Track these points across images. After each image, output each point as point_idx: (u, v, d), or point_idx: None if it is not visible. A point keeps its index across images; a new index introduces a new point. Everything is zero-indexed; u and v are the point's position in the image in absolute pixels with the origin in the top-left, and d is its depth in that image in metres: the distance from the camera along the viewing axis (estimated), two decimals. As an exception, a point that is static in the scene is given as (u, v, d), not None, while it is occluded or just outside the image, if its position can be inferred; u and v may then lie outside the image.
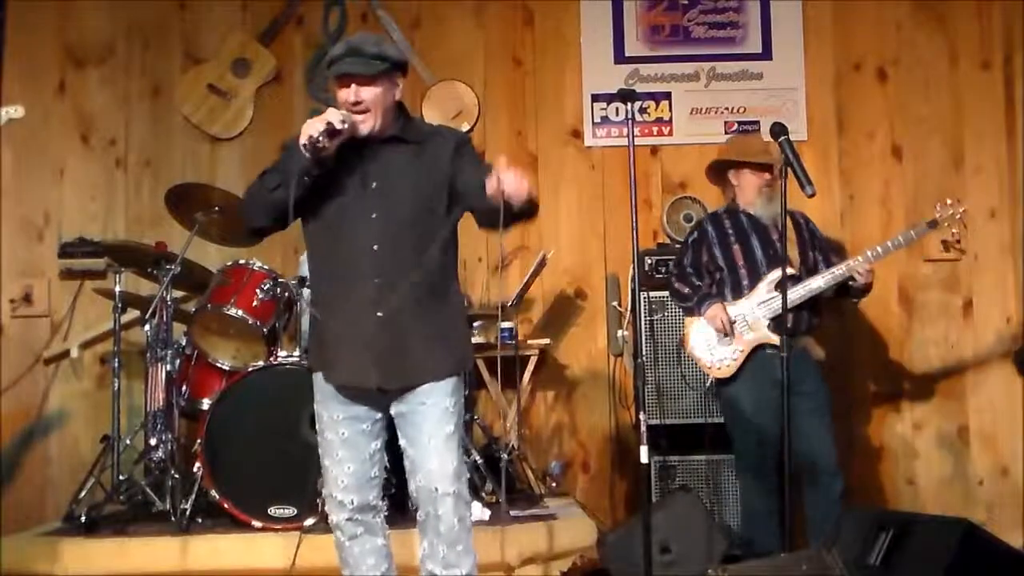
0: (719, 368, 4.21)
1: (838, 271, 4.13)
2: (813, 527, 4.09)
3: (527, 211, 2.87)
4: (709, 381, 4.31)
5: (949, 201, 4.22)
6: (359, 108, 2.96)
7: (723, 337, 4.19)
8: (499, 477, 4.54)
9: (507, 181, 2.74)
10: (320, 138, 2.85)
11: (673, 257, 4.62)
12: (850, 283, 4.15)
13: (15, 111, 3.56)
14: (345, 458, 3.04)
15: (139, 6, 5.40)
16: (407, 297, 2.97)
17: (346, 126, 2.91)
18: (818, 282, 4.13)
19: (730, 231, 4.31)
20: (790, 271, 4.05)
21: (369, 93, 2.95)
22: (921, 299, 5.31)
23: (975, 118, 5.35)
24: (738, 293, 4.23)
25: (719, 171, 4.41)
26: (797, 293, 4.08)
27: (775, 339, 4.06)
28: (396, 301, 2.96)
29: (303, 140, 2.87)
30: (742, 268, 4.24)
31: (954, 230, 4.21)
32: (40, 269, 5.30)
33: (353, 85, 2.95)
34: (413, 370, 3.00)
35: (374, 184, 3.00)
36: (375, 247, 2.97)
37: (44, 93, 5.35)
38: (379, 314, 2.97)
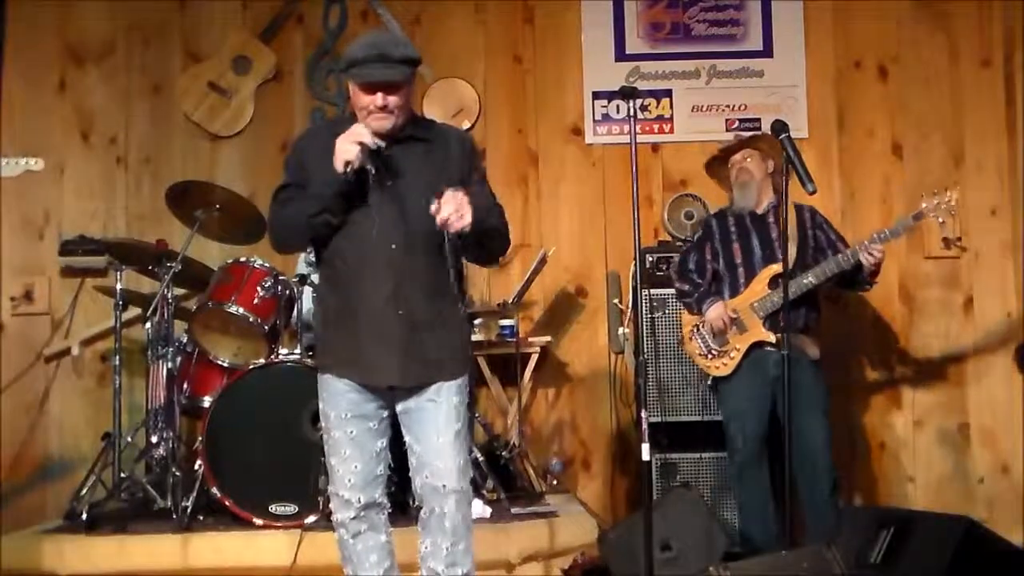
0: (717, 367, 4.22)
1: (828, 267, 4.10)
2: (808, 523, 4.10)
3: (486, 245, 3.05)
4: (710, 379, 4.33)
5: (936, 192, 4.08)
6: (384, 112, 2.95)
7: (720, 336, 4.20)
8: (500, 475, 4.55)
9: (444, 210, 2.85)
10: (358, 160, 2.88)
11: (674, 254, 4.66)
12: (858, 267, 4.08)
13: (35, 163, 3.58)
14: (352, 456, 3.04)
15: (139, 4, 5.39)
16: (421, 295, 3.00)
17: (376, 145, 2.92)
18: (808, 279, 4.11)
19: (733, 229, 4.33)
20: (782, 268, 4.08)
21: (395, 99, 2.94)
22: (922, 296, 5.30)
23: (975, 116, 5.34)
24: (735, 292, 4.25)
25: (715, 171, 4.50)
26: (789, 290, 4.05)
27: (771, 337, 4.09)
28: (412, 299, 2.99)
29: (341, 168, 2.87)
30: (740, 267, 4.27)
31: (942, 220, 4.08)
32: (41, 267, 5.29)
33: (379, 92, 2.93)
34: (431, 368, 3.02)
35: (391, 183, 2.99)
36: (393, 246, 2.98)
37: (44, 91, 5.34)
38: (399, 312, 2.98)
